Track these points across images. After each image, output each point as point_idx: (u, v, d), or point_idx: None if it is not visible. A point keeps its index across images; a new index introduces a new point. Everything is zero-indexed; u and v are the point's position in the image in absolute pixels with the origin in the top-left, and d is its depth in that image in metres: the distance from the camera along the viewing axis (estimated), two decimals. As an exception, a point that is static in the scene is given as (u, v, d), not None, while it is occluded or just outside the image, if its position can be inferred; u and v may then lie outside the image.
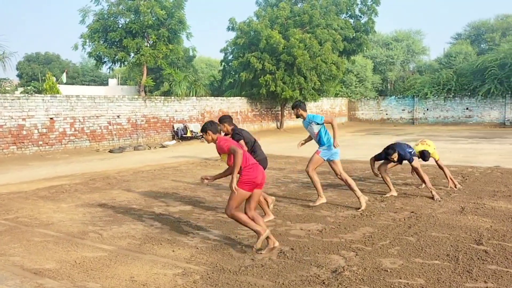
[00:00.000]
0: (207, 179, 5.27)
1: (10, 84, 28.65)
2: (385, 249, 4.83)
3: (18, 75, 45.89)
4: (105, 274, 4.30)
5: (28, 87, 30.00)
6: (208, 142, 5.14)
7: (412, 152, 7.50)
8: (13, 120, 14.75)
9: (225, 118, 6.36)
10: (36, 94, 17.92)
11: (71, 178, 10.13)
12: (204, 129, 5.09)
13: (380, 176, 7.76)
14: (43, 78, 29.17)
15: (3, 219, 6.54)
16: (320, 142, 7.02)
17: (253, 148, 6.39)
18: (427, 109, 30.48)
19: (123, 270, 4.40)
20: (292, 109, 7.24)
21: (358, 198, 6.76)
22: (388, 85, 37.54)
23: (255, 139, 6.51)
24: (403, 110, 31.55)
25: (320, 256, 4.66)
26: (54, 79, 23.57)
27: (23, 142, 14.98)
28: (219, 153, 5.09)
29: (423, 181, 7.47)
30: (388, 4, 79.66)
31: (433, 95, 29.85)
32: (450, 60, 33.75)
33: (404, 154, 7.38)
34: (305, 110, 7.10)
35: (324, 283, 3.97)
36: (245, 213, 4.95)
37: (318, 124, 6.93)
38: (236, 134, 6.21)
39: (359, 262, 4.45)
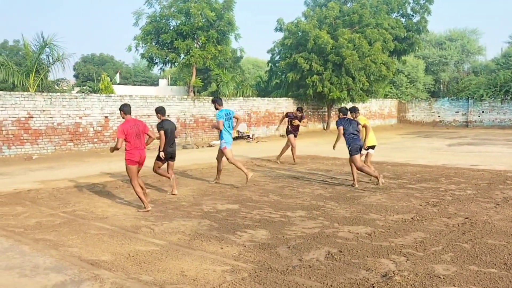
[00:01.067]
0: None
1: (67, 84, 30.11)
2: (438, 255, 4.68)
3: (74, 75, 48.25)
4: (157, 267, 4.45)
5: (84, 87, 31.44)
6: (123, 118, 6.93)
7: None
8: (70, 118, 15.51)
9: (160, 110, 8.43)
10: (92, 94, 18.74)
11: (124, 175, 10.50)
12: (119, 108, 7.04)
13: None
14: (98, 78, 30.47)
15: (62, 211, 6.91)
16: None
17: (170, 136, 8.29)
18: (483, 112, 29.13)
19: (174, 264, 4.53)
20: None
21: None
22: (441, 86, 36.24)
23: (171, 130, 8.33)
24: (457, 112, 30.31)
25: (369, 260, 4.59)
26: (109, 79, 24.55)
27: (80, 139, 15.73)
28: None
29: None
30: (442, 2, 76.79)
31: (489, 97, 28.49)
32: (509, 60, 32.11)
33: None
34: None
35: (373, 286, 3.91)
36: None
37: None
38: (159, 124, 8.30)
39: (410, 267, 4.34)
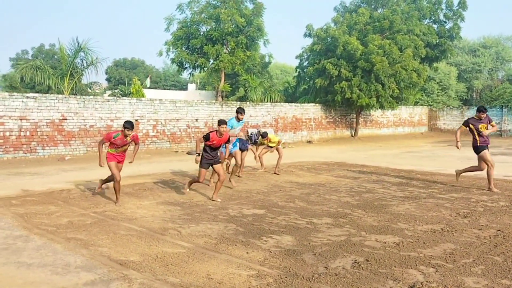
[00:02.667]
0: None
1: (99, 87, 30.91)
2: (468, 268, 4.56)
3: (106, 79, 49.45)
4: (184, 269, 4.51)
5: (116, 91, 32.20)
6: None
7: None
8: (102, 120, 15.92)
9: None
10: (123, 97, 19.18)
11: (153, 177, 10.70)
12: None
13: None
14: (130, 82, 31.15)
15: (93, 212, 7.09)
16: None
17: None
18: (518, 121, 28.23)
19: (200, 267, 4.58)
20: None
21: None
22: (474, 94, 35.36)
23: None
24: (490, 121, 29.46)
25: (396, 270, 4.51)
26: (140, 83, 25.07)
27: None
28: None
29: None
30: (476, 9, 74.90)
31: (524, 105, 27.61)
32: (546, 68, 31.03)
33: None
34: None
35: (400, 297, 3.84)
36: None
37: None
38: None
39: (439, 279, 4.25)
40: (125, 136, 7.60)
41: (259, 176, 11.21)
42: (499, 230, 5.99)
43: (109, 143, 7.68)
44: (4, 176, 10.85)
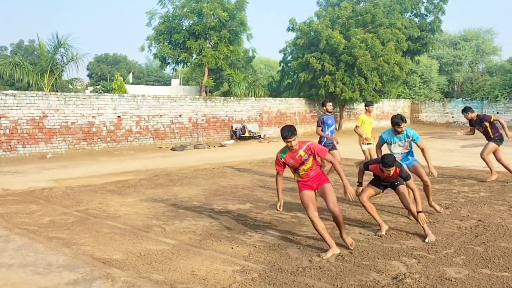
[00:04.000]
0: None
1: (81, 84, 30.46)
2: (450, 258, 4.63)
3: (88, 75, 48.75)
4: (168, 266, 4.48)
5: (98, 87, 31.79)
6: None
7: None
8: (84, 117, 15.70)
9: None
10: (105, 93, 18.94)
11: (136, 174, 10.61)
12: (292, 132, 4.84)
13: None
14: (112, 78, 30.76)
15: (75, 210, 6.99)
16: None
17: None
18: (497, 113, 28.69)
19: (185, 264, 4.56)
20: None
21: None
22: (455, 86, 35.85)
23: None
24: (471, 113, 29.94)
25: (380, 262, 4.56)
26: (122, 79, 24.78)
27: (93, 139, 15.90)
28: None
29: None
30: (457, 2, 75.79)
31: (504, 97, 28.08)
32: (525, 60, 31.62)
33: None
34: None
35: (384, 289, 3.89)
36: None
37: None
38: None
39: (421, 270, 4.31)
40: (291, 148, 4.89)
41: (244, 171, 11.20)
42: (479, 221, 6.09)
43: (281, 171, 5.11)
44: (-17, 176, 10.63)
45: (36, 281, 4.15)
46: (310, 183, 5.05)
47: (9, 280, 4.19)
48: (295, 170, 5.04)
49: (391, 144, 6.61)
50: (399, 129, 6.35)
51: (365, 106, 10.78)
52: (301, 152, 4.91)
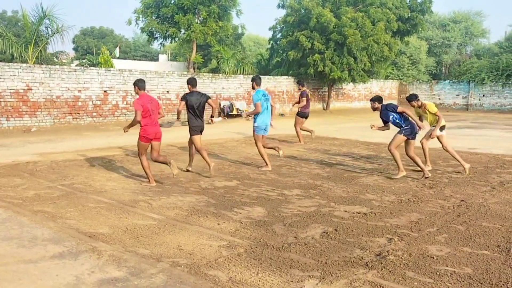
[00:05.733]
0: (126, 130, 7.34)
1: (66, 57, 29.83)
2: (432, 236, 4.73)
3: (74, 49, 47.78)
4: (154, 241, 4.50)
5: (83, 60, 31.19)
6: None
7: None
8: (69, 91, 15.43)
9: (191, 81, 8.04)
10: (92, 67, 18.59)
11: (123, 150, 10.53)
12: (134, 83, 7.10)
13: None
14: (98, 52, 30.19)
15: (60, 184, 6.94)
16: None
17: (195, 111, 8.00)
18: (483, 95, 29.04)
19: (171, 238, 4.57)
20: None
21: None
22: (443, 68, 36.00)
23: (198, 105, 7.99)
24: (458, 95, 30.20)
25: (364, 239, 4.64)
26: (108, 53, 24.32)
27: (79, 113, 15.68)
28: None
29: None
30: (447, -17, 75.27)
31: (490, 80, 28.34)
32: (512, 44, 31.83)
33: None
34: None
35: (367, 265, 3.96)
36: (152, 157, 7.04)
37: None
38: (183, 96, 7.96)
39: (404, 247, 4.40)
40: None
41: (231, 149, 11.19)
42: (462, 201, 6.21)
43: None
44: (-34, 148, 10.45)
45: (21, 254, 4.13)
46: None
47: (-6, 252, 4.17)
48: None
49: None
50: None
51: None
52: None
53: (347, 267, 3.94)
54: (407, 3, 25.51)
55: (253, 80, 8.38)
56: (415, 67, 33.06)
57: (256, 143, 8.48)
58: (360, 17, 22.17)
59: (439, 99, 31.04)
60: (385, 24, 22.80)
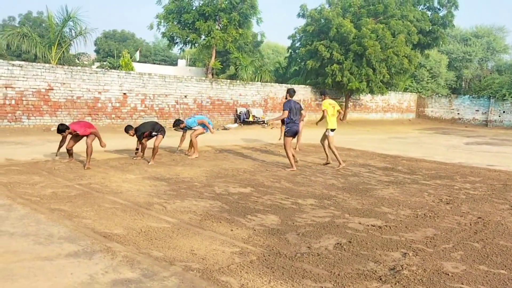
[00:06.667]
0: None
1: (88, 59, 30.35)
2: (448, 253, 4.66)
3: (95, 51, 48.56)
4: (168, 244, 4.52)
5: (104, 63, 31.65)
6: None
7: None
8: (89, 92, 15.68)
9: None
10: (112, 70, 18.88)
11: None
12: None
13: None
14: (119, 54, 30.62)
15: (77, 183, 7.04)
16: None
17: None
18: (504, 112, 28.59)
19: (184, 242, 4.59)
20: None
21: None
22: (463, 83, 35.59)
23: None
24: (477, 110, 29.80)
25: (378, 252, 4.59)
26: (129, 56, 24.68)
27: (97, 114, 15.92)
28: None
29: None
30: (470, -3, 74.51)
31: (511, 97, 27.90)
32: (535, 60, 31.29)
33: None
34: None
35: (380, 279, 3.92)
36: None
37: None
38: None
39: (419, 263, 4.34)
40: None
41: (246, 155, 11.21)
42: (479, 218, 6.10)
43: None
44: (-13, 144, 10.68)
45: (37, 251, 4.20)
46: None
47: (10, 248, 4.24)
48: None
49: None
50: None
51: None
52: None
53: (360, 280, 3.90)
54: (428, 16, 25.39)
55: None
56: (434, 80, 32.75)
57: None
58: (381, 28, 22.11)
59: (458, 114, 30.67)
60: (405, 36, 22.69)
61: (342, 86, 23.36)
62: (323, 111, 9.87)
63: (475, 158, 12.48)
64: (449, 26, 26.32)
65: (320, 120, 10.29)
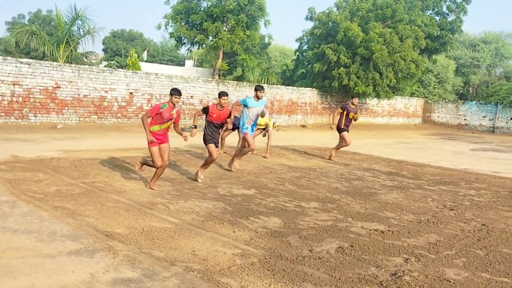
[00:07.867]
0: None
1: (95, 57, 30.48)
2: (450, 259, 4.63)
3: (103, 50, 48.77)
4: (169, 244, 4.53)
5: (112, 62, 31.80)
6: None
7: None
8: (96, 91, 15.76)
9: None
10: (119, 69, 18.96)
11: (145, 151, 10.64)
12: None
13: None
14: (126, 54, 30.75)
15: (81, 182, 7.07)
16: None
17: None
18: (511, 118, 28.39)
19: (186, 243, 4.60)
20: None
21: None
22: (470, 89, 35.41)
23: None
24: (484, 117, 29.61)
25: (380, 257, 4.57)
26: (137, 55, 24.78)
27: (104, 113, 15.98)
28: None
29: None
30: (479, 3, 74.24)
31: (519, 104, 27.73)
32: (544, 67, 31.08)
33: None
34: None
35: (381, 284, 3.90)
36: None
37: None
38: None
39: (420, 269, 4.31)
40: (174, 105, 6.72)
41: (251, 157, 11.21)
42: (483, 225, 6.06)
43: (151, 118, 6.70)
44: (-6, 141, 10.76)
45: (39, 248, 4.22)
46: (161, 138, 6.77)
47: (13, 244, 4.26)
48: (161, 122, 6.68)
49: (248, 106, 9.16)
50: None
51: None
52: (174, 111, 6.75)
53: (361, 284, 3.88)
54: (437, 21, 25.29)
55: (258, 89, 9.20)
56: (441, 85, 32.60)
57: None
58: (388, 33, 22.05)
59: (465, 119, 30.50)
60: (413, 41, 22.62)
61: (348, 90, 23.27)
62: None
63: (481, 165, 12.40)
64: (457, 31, 26.19)
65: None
